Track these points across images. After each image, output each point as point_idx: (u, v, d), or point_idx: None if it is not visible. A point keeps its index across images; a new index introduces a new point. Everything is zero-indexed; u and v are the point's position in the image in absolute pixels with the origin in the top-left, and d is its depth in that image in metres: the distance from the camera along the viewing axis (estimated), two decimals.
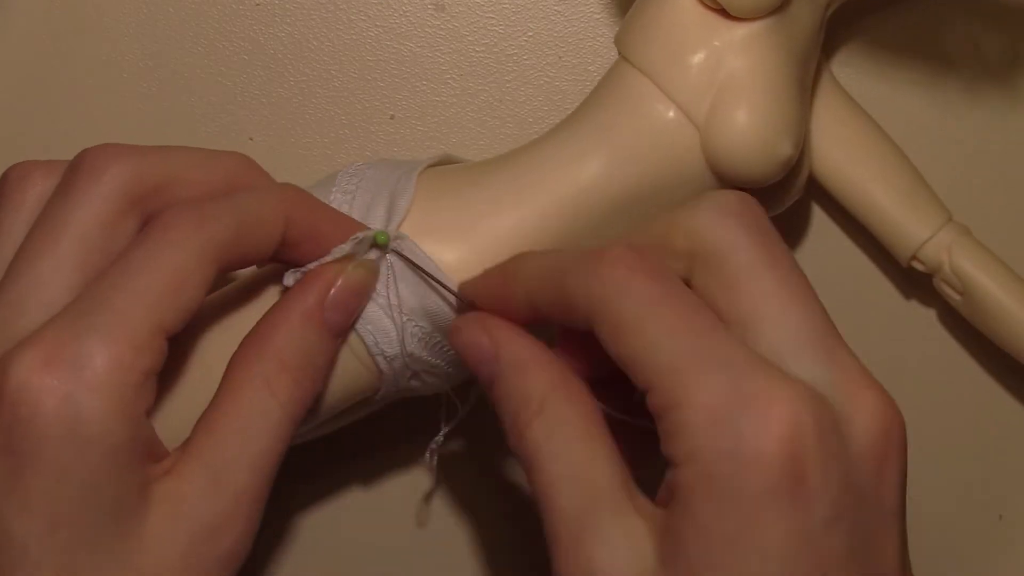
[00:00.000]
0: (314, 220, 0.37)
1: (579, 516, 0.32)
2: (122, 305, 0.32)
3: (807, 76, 0.40)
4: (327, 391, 0.38)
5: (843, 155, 0.43)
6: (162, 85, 0.47)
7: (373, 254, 0.37)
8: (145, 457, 0.33)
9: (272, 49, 0.48)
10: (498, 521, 0.47)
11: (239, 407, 0.34)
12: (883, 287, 0.47)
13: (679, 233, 0.33)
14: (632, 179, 0.39)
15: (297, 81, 0.48)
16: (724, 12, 0.38)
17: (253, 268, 0.39)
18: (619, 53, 0.40)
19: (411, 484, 0.47)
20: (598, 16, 0.48)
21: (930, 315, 0.47)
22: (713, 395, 0.30)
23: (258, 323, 0.36)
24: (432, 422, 0.42)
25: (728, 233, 0.33)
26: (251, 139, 0.47)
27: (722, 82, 0.38)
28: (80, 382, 0.31)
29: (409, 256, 0.37)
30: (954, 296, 0.44)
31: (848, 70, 0.47)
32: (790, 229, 0.46)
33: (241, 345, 0.36)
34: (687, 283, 0.33)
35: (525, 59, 0.48)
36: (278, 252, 0.36)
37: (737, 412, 0.30)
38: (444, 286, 0.37)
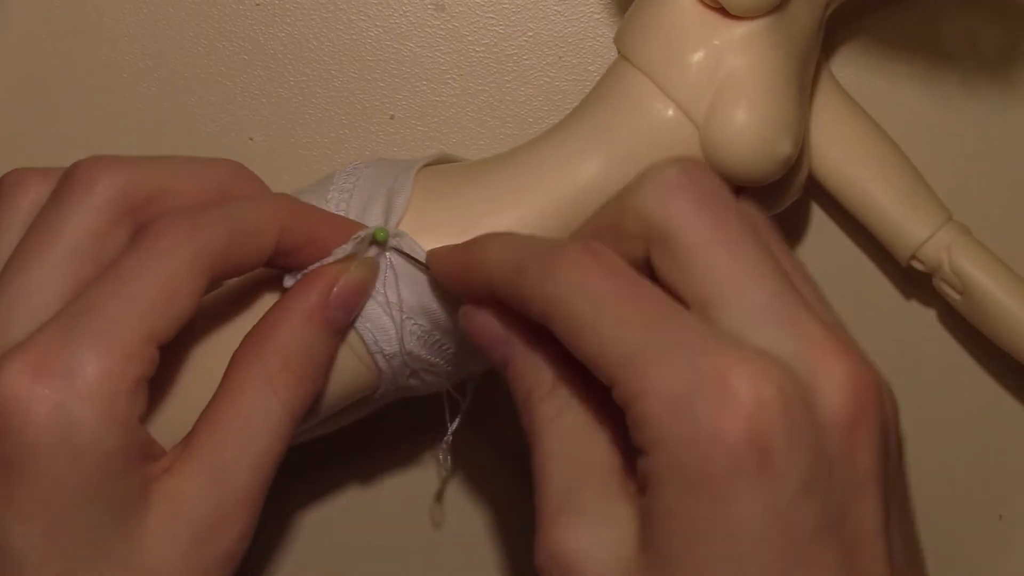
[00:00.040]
0: (310, 225, 0.37)
1: (566, 492, 0.32)
2: (113, 313, 0.32)
3: (807, 75, 0.40)
4: (327, 390, 0.38)
5: (842, 154, 0.43)
6: (162, 85, 0.47)
7: (372, 251, 0.38)
8: (141, 459, 0.33)
9: (272, 49, 0.48)
10: (503, 519, 0.47)
11: (240, 406, 0.35)
12: (883, 287, 0.47)
13: (629, 216, 0.33)
14: (631, 178, 0.39)
15: (297, 81, 0.48)
16: (723, 11, 0.38)
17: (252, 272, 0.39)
18: (618, 52, 0.40)
19: (410, 484, 0.47)
20: (598, 16, 0.48)
21: (930, 315, 0.47)
22: (671, 381, 0.30)
23: (259, 322, 0.36)
24: (430, 421, 0.42)
25: (674, 210, 0.32)
26: (251, 139, 0.47)
27: (721, 81, 0.38)
28: (71, 391, 0.31)
29: (408, 252, 0.37)
30: (954, 296, 0.43)
31: (847, 69, 0.47)
32: (790, 229, 0.46)
33: (242, 344, 0.36)
34: (649, 265, 0.33)
35: (525, 59, 0.48)
36: (273, 259, 0.36)
37: (695, 395, 0.29)
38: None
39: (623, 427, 0.32)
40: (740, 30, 0.38)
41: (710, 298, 0.31)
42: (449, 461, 0.41)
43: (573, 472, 0.32)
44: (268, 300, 0.38)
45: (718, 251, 0.32)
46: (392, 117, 0.48)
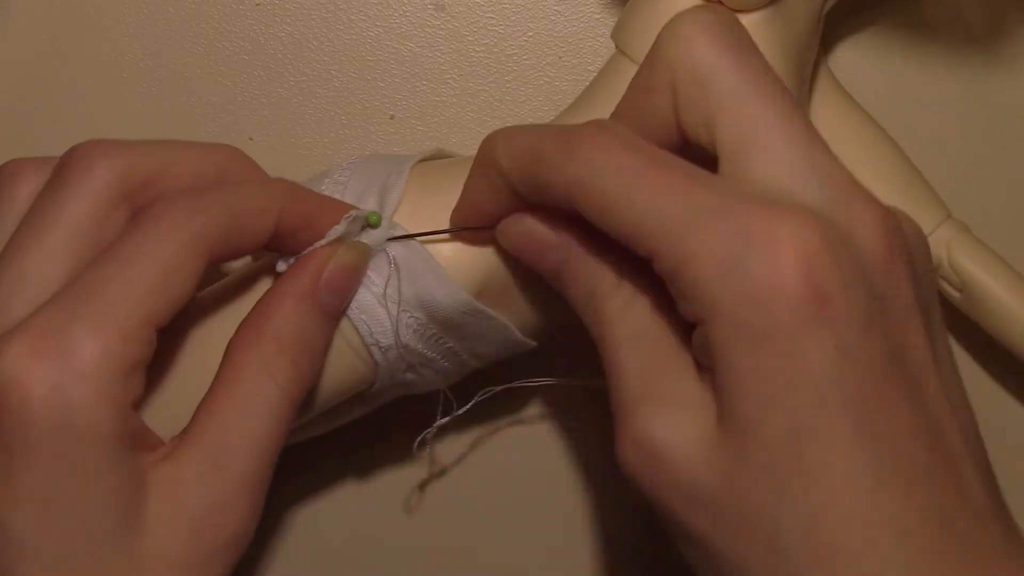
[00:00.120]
0: (308, 208, 0.36)
1: (644, 380, 0.32)
2: (112, 295, 0.32)
3: (804, 70, 0.40)
4: (323, 383, 0.38)
5: (840, 151, 0.43)
6: (162, 85, 0.48)
7: (365, 238, 0.37)
8: (136, 446, 0.33)
9: (272, 49, 0.48)
10: (491, 516, 0.47)
11: (238, 390, 0.34)
12: None
13: (657, 68, 0.33)
14: None
15: (297, 81, 0.48)
16: (720, 5, 0.38)
17: (247, 259, 0.39)
18: (616, 46, 0.40)
19: (406, 479, 0.47)
20: (598, 16, 0.48)
21: None
22: (717, 245, 0.30)
23: (254, 307, 0.36)
24: (427, 417, 0.41)
25: (706, 56, 0.32)
26: (251, 139, 0.47)
27: None
28: (69, 372, 0.31)
29: (403, 238, 0.37)
30: (953, 293, 0.43)
31: (845, 66, 0.47)
32: None
33: (238, 329, 0.36)
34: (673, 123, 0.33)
35: (525, 59, 0.48)
36: (272, 242, 0.36)
37: (745, 255, 0.30)
38: (440, 231, 0.38)
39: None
40: None
41: (744, 146, 0.32)
42: (429, 452, 0.41)
43: (649, 359, 0.33)
44: (264, 287, 0.38)
45: (751, 97, 0.32)
46: (392, 117, 0.48)
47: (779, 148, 0.31)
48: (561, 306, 0.40)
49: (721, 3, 0.38)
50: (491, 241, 0.38)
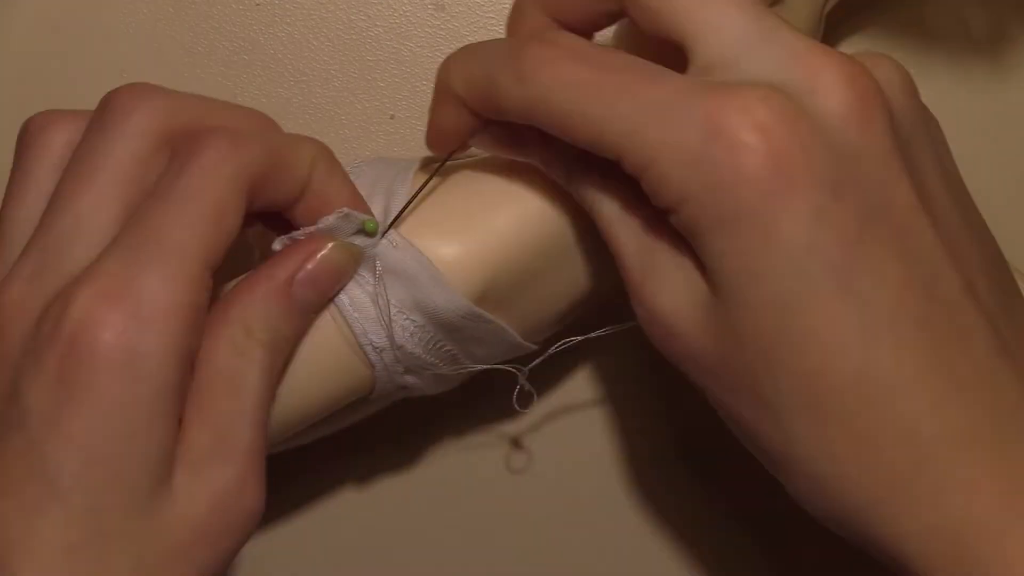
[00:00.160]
0: (329, 180, 0.36)
1: (642, 254, 0.34)
2: (176, 238, 0.32)
3: None
4: (322, 384, 0.38)
5: None
6: (162, 85, 0.47)
7: (359, 241, 0.37)
8: (181, 402, 0.33)
9: (272, 49, 0.48)
10: (490, 515, 0.47)
11: (216, 369, 0.34)
12: None
13: None
14: None
15: (297, 81, 0.48)
16: None
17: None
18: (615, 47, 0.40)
19: (406, 485, 0.47)
20: None
21: None
22: (675, 138, 0.31)
23: (231, 289, 0.36)
24: (426, 423, 0.41)
25: None
26: None
27: None
28: (139, 317, 0.31)
29: (399, 244, 0.37)
30: None
31: None
32: None
33: (211, 310, 0.35)
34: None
35: None
36: (295, 205, 0.36)
37: (703, 143, 0.31)
38: (423, 186, 0.38)
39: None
40: None
41: (696, 30, 0.33)
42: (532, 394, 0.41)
43: (641, 235, 0.34)
44: None
45: None
46: (392, 117, 0.48)
47: (727, 29, 0.32)
48: (562, 307, 0.40)
49: None
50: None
